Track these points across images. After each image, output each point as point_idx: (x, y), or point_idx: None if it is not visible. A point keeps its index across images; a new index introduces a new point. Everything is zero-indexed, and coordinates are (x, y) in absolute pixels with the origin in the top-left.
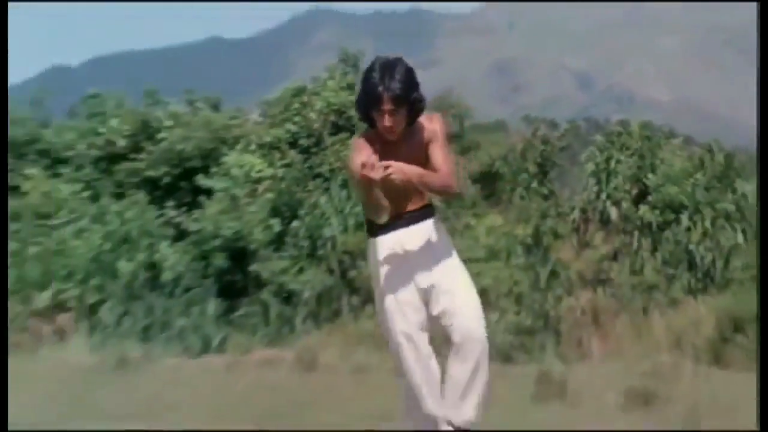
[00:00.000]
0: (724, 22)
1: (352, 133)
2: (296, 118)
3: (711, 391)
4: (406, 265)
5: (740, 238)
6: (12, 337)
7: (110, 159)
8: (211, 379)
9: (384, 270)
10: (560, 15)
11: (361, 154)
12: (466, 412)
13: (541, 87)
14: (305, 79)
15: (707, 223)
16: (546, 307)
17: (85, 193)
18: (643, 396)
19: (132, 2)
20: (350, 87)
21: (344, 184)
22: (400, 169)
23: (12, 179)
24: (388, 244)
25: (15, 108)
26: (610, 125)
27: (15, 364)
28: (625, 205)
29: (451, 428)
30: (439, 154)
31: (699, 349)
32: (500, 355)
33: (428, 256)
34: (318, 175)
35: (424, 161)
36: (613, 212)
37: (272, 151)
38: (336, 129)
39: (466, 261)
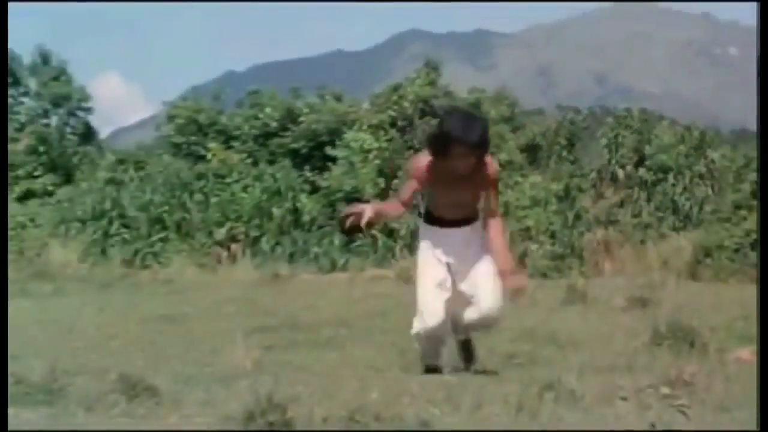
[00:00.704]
0: (696, 36)
1: (434, 116)
2: (395, 107)
3: (688, 297)
4: (449, 250)
5: (710, 191)
6: (200, 259)
7: (266, 136)
8: (337, 289)
9: (428, 249)
10: (582, 32)
11: (416, 181)
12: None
13: (568, 84)
14: (401, 79)
15: (687, 181)
16: (572, 240)
17: (249, 160)
18: (640, 300)
19: (280, 23)
20: (431, 84)
21: None
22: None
23: (198, 150)
24: (438, 232)
25: (200, 100)
26: (617, 111)
27: (203, 277)
28: (628, 168)
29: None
30: (493, 197)
31: (680, 268)
32: (539, 273)
33: (465, 248)
34: (410, 147)
35: (478, 191)
36: (620, 173)
37: (378, 130)
38: (422, 114)
39: (515, 208)
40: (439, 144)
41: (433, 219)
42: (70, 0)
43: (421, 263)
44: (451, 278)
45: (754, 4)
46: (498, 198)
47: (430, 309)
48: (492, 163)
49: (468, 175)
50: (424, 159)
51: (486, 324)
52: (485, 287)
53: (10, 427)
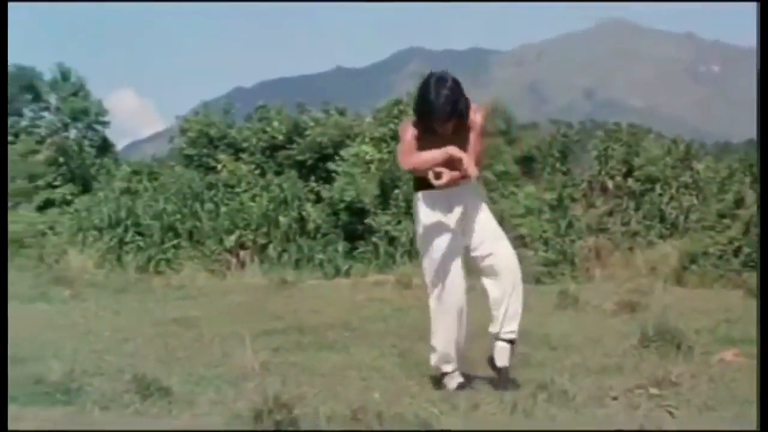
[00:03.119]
0: (681, 54)
1: None
2: (395, 120)
3: (674, 302)
4: (450, 213)
5: (694, 200)
6: (211, 266)
7: (273, 148)
8: (341, 294)
9: (432, 217)
10: (571, 50)
11: (413, 130)
12: (511, 328)
13: (558, 99)
14: (401, 94)
15: (673, 191)
16: (564, 247)
17: (257, 171)
18: (629, 305)
19: (287, 42)
20: None
21: None
22: (470, 164)
23: (209, 162)
24: (437, 197)
25: (211, 115)
26: (607, 125)
27: (213, 283)
28: (618, 178)
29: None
30: (473, 142)
31: (667, 274)
32: (533, 279)
33: (467, 208)
34: None
35: (465, 146)
36: (610, 184)
37: (380, 143)
38: None
39: (510, 216)
40: (417, 110)
41: (427, 183)
42: (75, 0)
43: (423, 236)
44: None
45: (735, 24)
46: (480, 144)
47: (449, 282)
48: (477, 109)
49: (454, 133)
50: (410, 123)
51: (509, 271)
52: (498, 246)
53: (30, 425)
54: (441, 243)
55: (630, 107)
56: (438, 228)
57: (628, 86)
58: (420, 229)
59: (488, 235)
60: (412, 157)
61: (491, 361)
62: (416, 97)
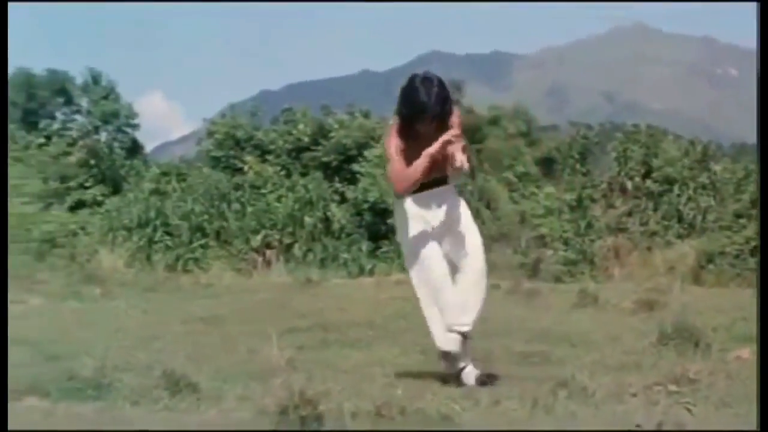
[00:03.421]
0: (698, 57)
1: None
2: None
3: (692, 300)
4: (434, 213)
5: (712, 201)
6: (237, 265)
7: (298, 150)
8: (364, 293)
9: (414, 218)
10: (591, 53)
11: (396, 141)
12: (464, 320)
13: (579, 102)
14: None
15: (691, 191)
16: (584, 246)
17: (283, 173)
18: (647, 303)
19: (312, 45)
20: (454, 103)
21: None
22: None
23: (236, 163)
24: (422, 199)
25: (238, 117)
26: (626, 127)
27: (240, 281)
28: (636, 179)
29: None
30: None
31: (684, 273)
32: (553, 278)
33: (445, 208)
34: None
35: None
36: (629, 184)
37: None
38: None
39: (531, 216)
40: (405, 111)
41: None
42: (105, 0)
43: (409, 244)
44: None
45: (752, 27)
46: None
47: (432, 278)
48: (456, 116)
49: (434, 135)
50: (392, 135)
51: (475, 267)
52: (466, 242)
53: (63, 420)
54: (428, 249)
55: (649, 109)
56: (423, 234)
57: (647, 89)
58: (405, 234)
59: (462, 231)
60: (404, 182)
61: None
62: (401, 99)
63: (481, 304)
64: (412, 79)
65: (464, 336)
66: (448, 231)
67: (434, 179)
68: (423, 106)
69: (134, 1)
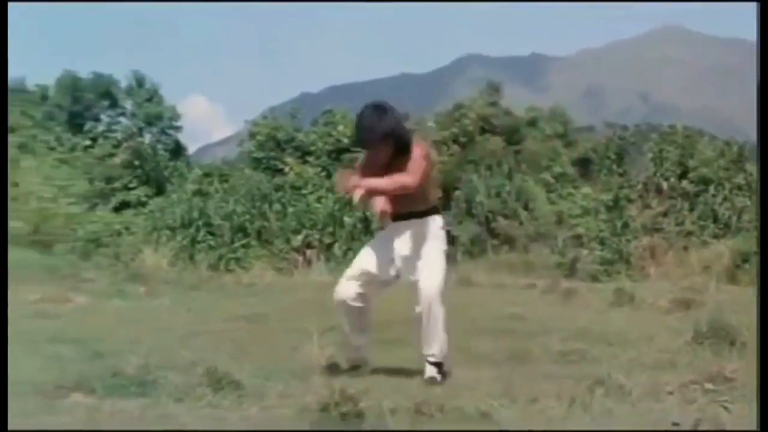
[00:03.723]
0: (733, 58)
1: (494, 134)
2: (456, 124)
3: (727, 299)
4: (392, 243)
5: (747, 201)
6: (278, 264)
7: (338, 151)
8: (404, 291)
9: (375, 241)
10: (627, 55)
11: (352, 177)
12: (431, 351)
13: (615, 103)
14: (462, 99)
15: (726, 192)
16: (620, 246)
17: (323, 173)
18: (683, 302)
19: (351, 48)
20: (492, 105)
21: (489, 167)
22: (368, 185)
23: (276, 165)
24: (387, 227)
25: (278, 119)
26: (662, 128)
27: (281, 280)
28: (672, 180)
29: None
30: (412, 168)
31: (720, 273)
32: (590, 277)
33: (411, 242)
34: (471, 161)
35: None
36: (665, 185)
37: (441, 145)
38: (482, 131)
39: (568, 216)
40: (354, 139)
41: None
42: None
43: (361, 251)
44: (392, 273)
45: None
46: (419, 171)
47: (343, 286)
48: (418, 149)
49: (391, 166)
50: (360, 163)
51: (424, 301)
52: (421, 276)
53: (108, 416)
54: (361, 265)
55: (684, 110)
56: (369, 254)
57: (682, 90)
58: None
59: (417, 265)
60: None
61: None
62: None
63: (440, 329)
64: (362, 108)
65: (434, 364)
66: (407, 262)
67: (400, 212)
68: (360, 133)
69: (176, 1)
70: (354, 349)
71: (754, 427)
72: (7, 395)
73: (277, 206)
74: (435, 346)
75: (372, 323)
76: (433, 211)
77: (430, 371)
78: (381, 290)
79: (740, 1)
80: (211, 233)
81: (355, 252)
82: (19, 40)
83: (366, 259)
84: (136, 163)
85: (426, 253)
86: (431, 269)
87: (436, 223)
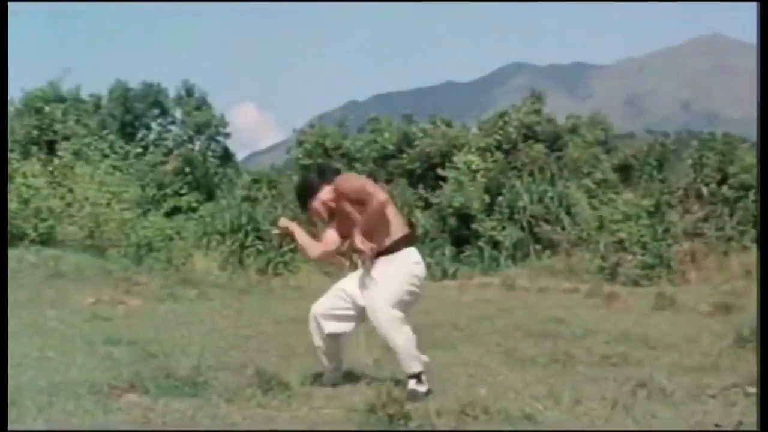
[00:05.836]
0: None
1: (537, 141)
2: (500, 131)
3: None
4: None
5: None
6: (326, 268)
7: (384, 158)
8: (448, 295)
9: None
10: (669, 64)
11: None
12: (404, 367)
13: (657, 110)
14: (505, 107)
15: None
16: (661, 251)
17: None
18: (724, 306)
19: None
20: (536, 112)
21: (531, 173)
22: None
23: None
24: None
25: (326, 127)
26: (702, 135)
27: (328, 284)
28: (712, 185)
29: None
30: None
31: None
32: (632, 282)
33: (364, 279)
34: (514, 168)
35: (337, 227)
36: (705, 191)
37: (485, 152)
38: (525, 138)
39: (610, 222)
40: None
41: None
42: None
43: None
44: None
45: None
46: (366, 221)
47: (318, 301)
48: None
49: (342, 213)
50: None
51: (374, 324)
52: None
53: (160, 416)
54: (344, 281)
55: (726, 118)
56: (336, 291)
57: (724, 98)
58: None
59: (364, 294)
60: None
61: None
62: None
63: (403, 350)
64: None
65: (411, 377)
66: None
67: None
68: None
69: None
70: (330, 370)
71: None
72: (7, 395)
73: None
74: (403, 362)
75: (342, 360)
76: (394, 248)
77: (410, 384)
78: (356, 320)
79: (740, 2)
80: (260, 238)
81: None
82: (75, 50)
83: (345, 280)
84: (187, 169)
85: (379, 281)
86: (377, 292)
87: (398, 260)
